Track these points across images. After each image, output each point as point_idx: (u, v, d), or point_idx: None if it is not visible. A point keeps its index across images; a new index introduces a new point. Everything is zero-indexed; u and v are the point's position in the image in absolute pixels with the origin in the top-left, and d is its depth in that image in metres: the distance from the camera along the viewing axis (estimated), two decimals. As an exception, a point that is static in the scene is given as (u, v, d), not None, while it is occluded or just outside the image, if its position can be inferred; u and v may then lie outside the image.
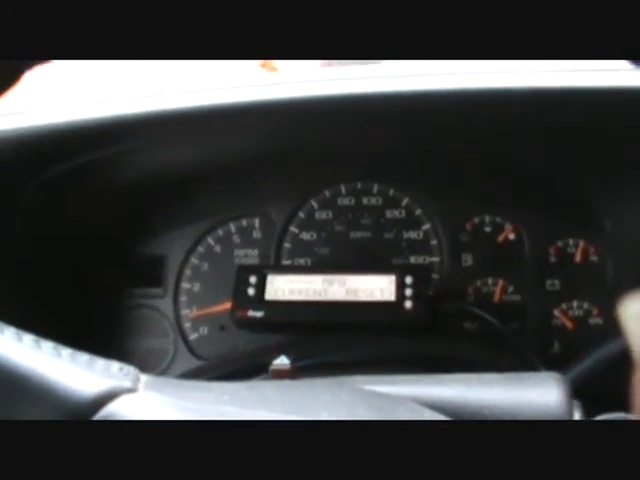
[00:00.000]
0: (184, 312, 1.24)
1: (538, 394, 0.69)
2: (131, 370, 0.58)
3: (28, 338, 0.53)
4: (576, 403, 0.64)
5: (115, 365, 0.57)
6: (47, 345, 0.54)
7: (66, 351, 0.55)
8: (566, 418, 0.60)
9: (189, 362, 1.22)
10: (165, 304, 1.25)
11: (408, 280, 1.07)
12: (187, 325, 1.24)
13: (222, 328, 1.21)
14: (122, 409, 0.51)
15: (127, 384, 0.55)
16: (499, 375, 0.72)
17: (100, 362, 0.57)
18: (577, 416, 0.61)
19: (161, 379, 0.61)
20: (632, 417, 0.60)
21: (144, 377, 0.58)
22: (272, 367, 0.79)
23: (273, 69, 1.15)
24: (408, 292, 1.06)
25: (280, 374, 0.78)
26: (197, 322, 1.24)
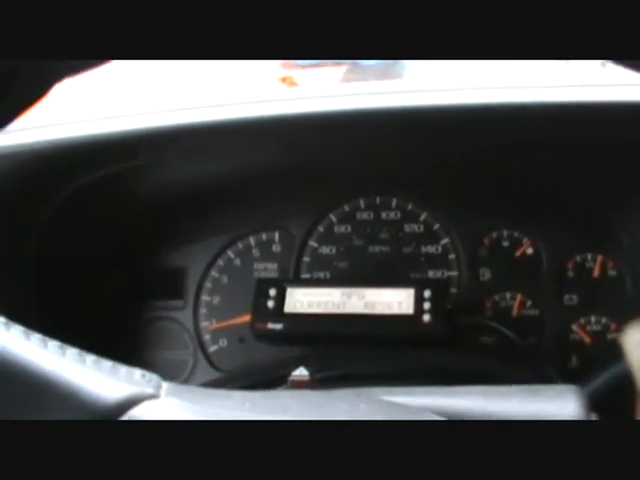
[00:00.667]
0: (204, 324, 1.25)
1: (556, 406, 0.69)
2: (153, 377, 0.59)
3: (53, 344, 0.54)
4: (594, 416, 0.65)
5: (138, 372, 0.58)
6: (72, 351, 0.55)
7: (90, 357, 0.56)
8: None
9: (208, 374, 1.23)
10: (185, 316, 1.26)
11: (426, 294, 1.07)
12: (207, 337, 1.25)
13: (241, 340, 1.22)
14: (144, 414, 0.52)
15: (149, 390, 0.56)
16: (517, 387, 0.73)
17: (123, 369, 0.58)
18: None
19: (182, 386, 0.62)
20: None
21: (166, 384, 0.60)
22: (291, 378, 0.80)
23: (293, 84, 1.16)
24: (426, 306, 1.06)
25: (299, 385, 0.79)
26: (217, 334, 1.25)
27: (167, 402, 0.55)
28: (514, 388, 0.73)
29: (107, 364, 0.57)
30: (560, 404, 0.69)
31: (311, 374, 0.80)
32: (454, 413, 0.67)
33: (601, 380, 0.82)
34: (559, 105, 0.94)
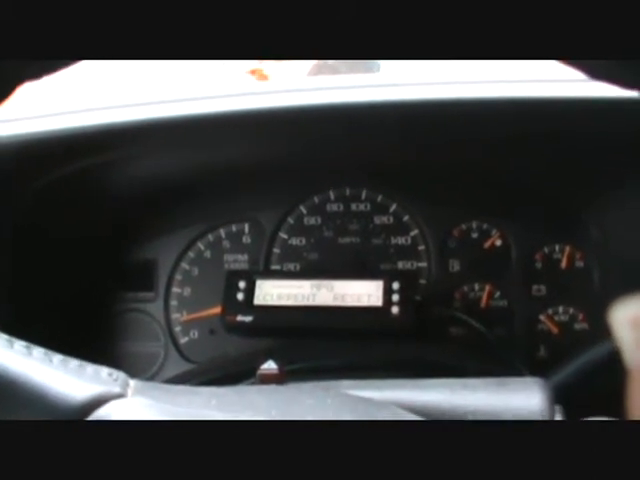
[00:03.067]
0: (175, 316, 1.25)
1: (520, 399, 0.70)
2: (120, 375, 0.59)
3: (19, 344, 0.54)
4: (558, 408, 0.66)
5: (105, 371, 0.58)
6: (38, 351, 0.55)
7: (57, 357, 0.56)
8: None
9: (180, 366, 1.23)
10: (156, 308, 1.26)
11: (395, 286, 1.08)
12: (178, 329, 1.25)
13: (212, 332, 1.22)
14: (111, 414, 0.52)
15: (116, 389, 0.56)
16: (483, 380, 0.74)
17: (90, 368, 0.58)
18: (559, 421, 0.62)
19: (150, 384, 0.63)
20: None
21: (133, 382, 0.60)
22: (260, 372, 0.80)
23: (263, 77, 1.16)
24: (395, 298, 1.07)
25: (268, 378, 0.79)
26: (187, 326, 1.25)
27: (133, 401, 0.55)
28: (480, 381, 0.73)
29: (74, 363, 0.57)
30: (525, 397, 0.70)
31: (279, 367, 0.80)
32: (420, 406, 0.67)
33: (566, 372, 0.84)
34: (526, 101, 0.95)
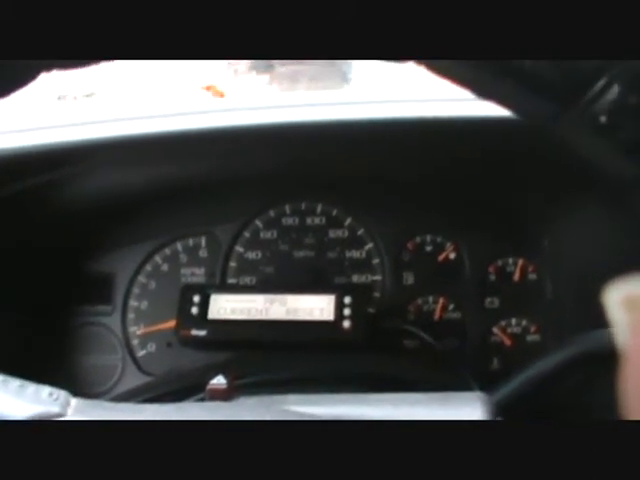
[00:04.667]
0: (132, 329, 1.26)
1: (463, 414, 0.71)
2: (62, 394, 0.60)
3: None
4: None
5: (46, 390, 0.59)
6: (-21, 372, 0.56)
7: (-2, 377, 0.57)
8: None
9: (137, 378, 1.23)
10: (113, 321, 1.26)
11: (347, 300, 1.09)
12: (135, 342, 1.25)
13: (169, 345, 1.23)
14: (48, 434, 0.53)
15: (55, 409, 0.57)
16: (426, 395, 0.75)
17: (31, 387, 0.59)
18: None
19: (92, 402, 0.63)
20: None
21: (74, 401, 0.61)
22: (209, 387, 0.81)
23: (218, 93, 1.17)
24: (346, 312, 1.08)
25: (216, 393, 0.80)
26: (145, 339, 1.25)
27: (72, 421, 0.56)
28: (423, 396, 0.75)
29: (15, 384, 0.58)
30: (467, 411, 0.72)
31: (229, 382, 0.81)
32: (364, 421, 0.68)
33: (509, 387, 0.85)
34: (477, 119, 0.96)
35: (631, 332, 0.35)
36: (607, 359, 0.55)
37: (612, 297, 0.36)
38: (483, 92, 0.44)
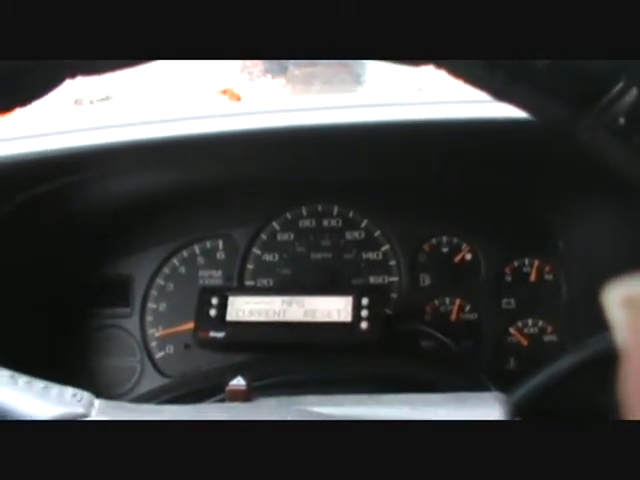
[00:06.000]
0: (150, 331, 1.27)
1: (479, 414, 0.72)
2: (85, 396, 0.61)
3: (-15, 368, 0.55)
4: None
5: (69, 391, 0.60)
6: (4, 374, 0.57)
7: (22, 379, 0.58)
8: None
9: (156, 380, 1.24)
10: (132, 324, 1.27)
11: (364, 301, 1.09)
12: (153, 344, 1.26)
13: (187, 347, 1.24)
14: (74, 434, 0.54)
15: (80, 410, 0.58)
16: (443, 396, 0.75)
17: (55, 389, 0.60)
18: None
19: (114, 403, 0.64)
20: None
21: (97, 402, 0.61)
22: (228, 388, 0.81)
23: (235, 96, 1.18)
24: (364, 313, 1.08)
25: (236, 394, 0.81)
26: (163, 341, 1.26)
27: (96, 421, 0.57)
28: (440, 396, 0.75)
29: (39, 385, 0.59)
30: (485, 412, 0.72)
31: (247, 383, 0.82)
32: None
33: (526, 387, 0.85)
34: (495, 119, 0.96)
35: (631, 332, 0.35)
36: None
37: (611, 297, 0.36)
38: (500, 94, 0.44)
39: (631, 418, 0.34)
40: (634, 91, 0.38)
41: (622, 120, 0.39)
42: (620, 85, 0.39)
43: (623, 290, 0.36)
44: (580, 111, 0.40)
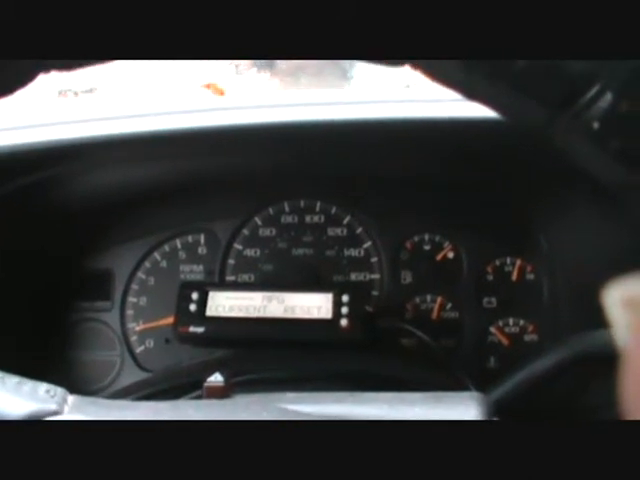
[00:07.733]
0: (130, 325, 1.26)
1: (458, 413, 0.71)
2: (59, 392, 0.60)
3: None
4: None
5: (43, 387, 0.60)
6: (-24, 370, 0.56)
7: (-5, 375, 0.58)
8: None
9: (135, 374, 1.24)
10: (112, 317, 1.27)
11: (345, 298, 1.08)
12: (134, 338, 1.26)
13: (167, 341, 1.23)
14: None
15: (52, 406, 0.57)
16: (422, 395, 0.75)
17: (28, 385, 0.59)
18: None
19: (88, 399, 0.64)
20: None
21: (71, 398, 0.61)
22: (206, 384, 0.81)
23: (218, 91, 1.17)
24: (344, 310, 1.08)
25: (213, 391, 0.80)
26: (143, 335, 1.26)
27: (69, 418, 0.56)
28: (419, 395, 0.75)
29: (13, 380, 0.58)
30: (462, 411, 0.72)
31: (226, 379, 0.81)
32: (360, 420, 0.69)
33: (505, 387, 0.85)
34: (474, 119, 0.96)
35: (631, 332, 0.35)
36: (604, 360, 0.55)
37: (611, 297, 0.36)
38: (473, 94, 0.44)
39: (631, 418, 0.34)
40: (609, 95, 0.38)
41: (596, 124, 0.39)
42: (595, 89, 0.38)
43: (624, 291, 0.36)
44: (555, 114, 0.40)
